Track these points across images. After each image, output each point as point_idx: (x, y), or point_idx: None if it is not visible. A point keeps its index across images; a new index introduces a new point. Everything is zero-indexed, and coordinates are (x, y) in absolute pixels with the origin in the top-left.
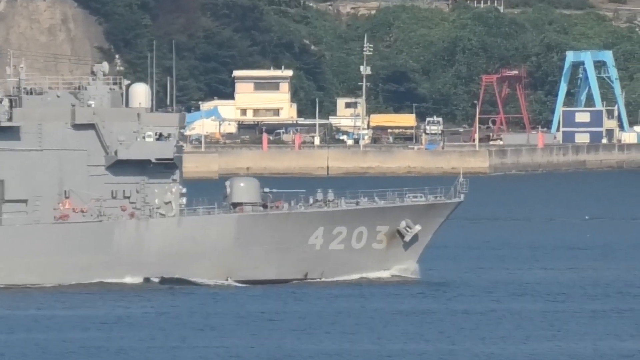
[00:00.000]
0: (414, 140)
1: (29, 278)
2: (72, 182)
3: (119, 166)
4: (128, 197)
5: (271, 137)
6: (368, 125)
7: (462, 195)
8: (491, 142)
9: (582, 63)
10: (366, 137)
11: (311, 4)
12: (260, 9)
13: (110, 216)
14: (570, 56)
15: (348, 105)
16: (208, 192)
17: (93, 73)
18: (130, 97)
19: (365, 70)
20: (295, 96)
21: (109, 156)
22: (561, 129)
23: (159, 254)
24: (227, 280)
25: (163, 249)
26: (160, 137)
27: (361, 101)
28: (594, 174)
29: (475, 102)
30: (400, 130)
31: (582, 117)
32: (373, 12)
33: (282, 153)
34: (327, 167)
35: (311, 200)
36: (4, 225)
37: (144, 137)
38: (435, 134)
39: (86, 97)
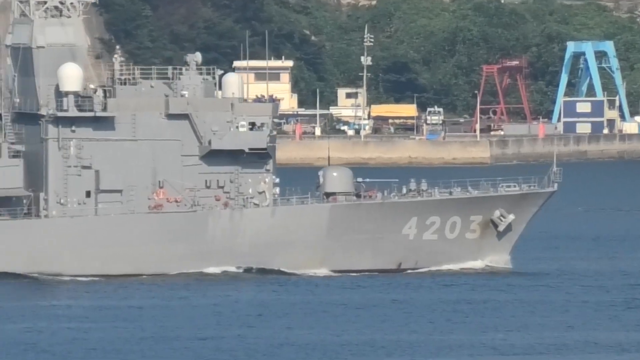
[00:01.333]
0: (414, 131)
1: (124, 268)
2: (166, 172)
3: (213, 156)
4: (222, 187)
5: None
6: (369, 115)
7: (556, 185)
8: (492, 133)
9: (583, 53)
10: (367, 128)
11: None
12: None
13: (204, 206)
14: (571, 46)
15: (349, 95)
16: None
17: (186, 63)
18: (223, 87)
19: (365, 60)
20: (295, 87)
21: (202, 146)
22: (562, 119)
23: (253, 244)
24: (320, 269)
25: (256, 238)
26: (253, 126)
27: (362, 91)
28: (595, 164)
29: (476, 92)
30: (401, 120)
31: (583, 107)
32: (374, 2)
33: (283, 144)
34: (328, 158)
35: (404, 190)
36: (99, 215)
37: (237, 127)
38: (436, 124)
39: (179, 87)
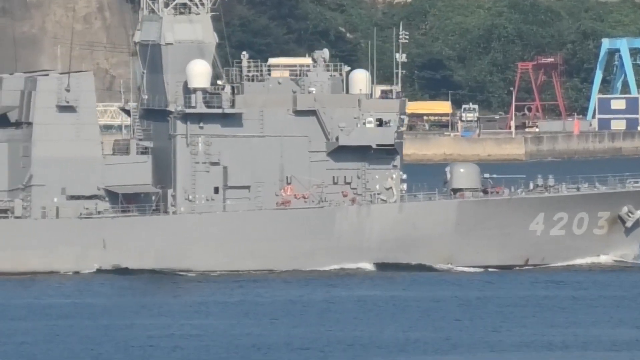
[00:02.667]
0: (449, 128)
1: (252, 264)
2: (293, 168)
3: (340, 152)
4: (349, 183)
5: None
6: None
7: None
8: (527, 130)
9: (618, 50)
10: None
11: None
12: None
13: (331, 202)
14: (606, 43)
15: (384, 92)
16: None
17: (314, 60)
18: (350, 83)
19: (400, 57)
20: None
21: (330, 142)
22: (597, 116)
23: (380, 240)
24: (449, 265)
25: (384, 234)
26: (380, 123)
27: (397, 88)
28: (629, 161)
29: (511, 89)
30: (436, 117)
31: (618, 104)
32: (409, 0)
33: None
34: None
35: (531, 186)
36: (227, 212)
37: (364, 123)
38: (471, 121)
39: (307, 84)
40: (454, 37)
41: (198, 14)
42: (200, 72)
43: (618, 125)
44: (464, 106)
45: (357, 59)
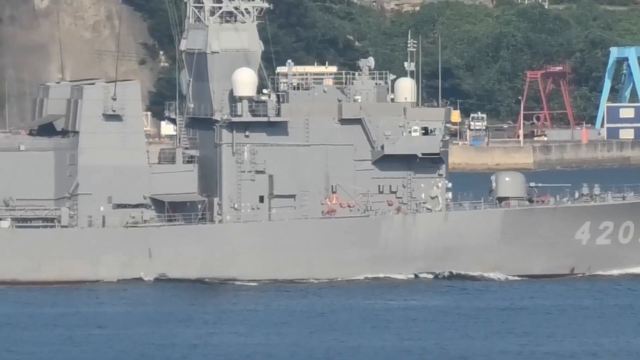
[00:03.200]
0: (458, 137)
1: (297, 272)
2: (339, 177)
3: (386, 161)
4: (394, 192)
5: None
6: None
7: None
8: (535, 138)
9: (626, 59)
10: None
11: (355, 1)
12: (304, 5)
13: (376, 211)
14: (615, 52)
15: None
16: None
17: (359, 68)
18: (395, 91)
19: (409, 66)
20: None
21: (375, 151)
22: (605, 124)
23: (426, 249)
24: (494, 274)
25: (429, 243)
26: (426, 131)
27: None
28: (638, 169)
29: (520, 98)
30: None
31: (627, 112)
32: (417, 8)
33: None
34: None
35: (577, 195)
36: (272, 221)
37: (410, 132)
38: (480, 130)
39: (352, 92)
40: (462, 46)
41: (244, 22)
42: (246, 81)
43: (626, 134)
44: (472, 115)
45: None
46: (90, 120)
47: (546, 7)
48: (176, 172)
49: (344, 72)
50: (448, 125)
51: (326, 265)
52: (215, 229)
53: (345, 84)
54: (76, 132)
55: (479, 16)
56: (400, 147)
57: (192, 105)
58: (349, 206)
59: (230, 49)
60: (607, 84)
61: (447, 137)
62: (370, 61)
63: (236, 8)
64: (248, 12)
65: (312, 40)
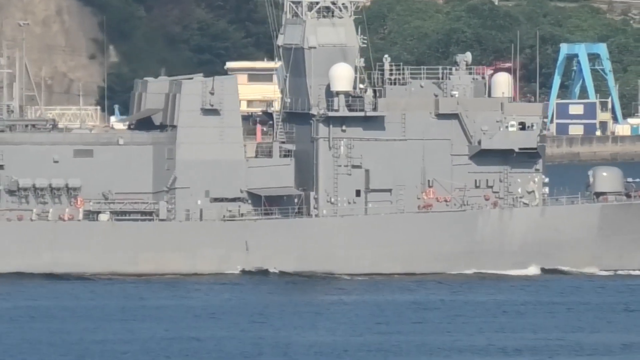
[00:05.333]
0: None
1: (393, 267)
2: (435, 171)
3: (482, 155)
4: (491, 187)
5: (264, 129)
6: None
7: None
8: None
9: (576, 55)
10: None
11: None
12: (254, 0)
13: (473, 205)
14: (564, 49)
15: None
16: None
17: (456, 63)
18: (492, 86)
19: (359, 62)
20: None
21: (472, 146)
22: (555, 121)
23: (522, 244)
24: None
25: (526, 238)
26: (523, 126)
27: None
28: (587, 166)
29: None
30: None
31: (576, 109)
32: (367, 4)
33: None
34: None
35: None
36: (369, 215)
37: (507, 127)
38: None
39: (449, 87)
40: (413, 42)
41: (341, 17)
42: (343, 76)
43: (576, 130)
44: None
45: None
46: (188, 114)
47: (496, 3)
48: (273, 166)
49: (440, 67)
50: (545, 120)
51: (422, 259)
52: (311, 223)
53: (442, 79)
54: (174, 127)
55: (429, 12)
56: (498, 142)
57: (288, 100)
58: (446, 201)
59: (328, 44)
60: (557, 81)
61: (544, 132)
62: (468, 56)
63: (333, 3)
64: (345, 7)
65: (262, 36)
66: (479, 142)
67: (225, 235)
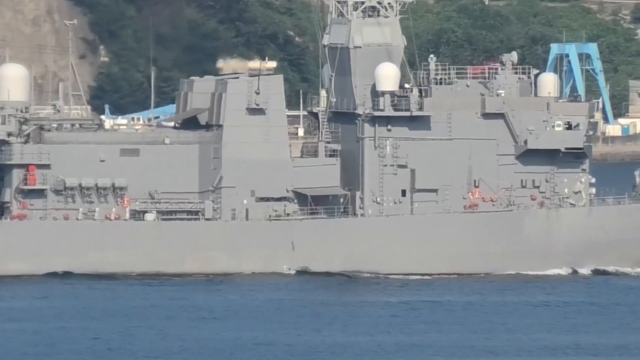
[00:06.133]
0: None
1: (439, 267)
2: (481, 171)
3: (529, 155)
4: (537, 187)
5: None
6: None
7: None
8: None
9: (567, 55)
10: None
11: None
12: (245, 0)
13: (519, 205)
14: (555, 48)
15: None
16: None
17: (502, 63)
18: (539, 86)
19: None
20: None
21: (518, 145)
22: None
23: (569, 244)
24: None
25: (572, 238)
26: (569, 126)
27: None
28: None
29: None
30: None
31: None
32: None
33: None
34: None
35: None
36: (414, 215)
37: (553, 127)
38: None
39: (495, 87)
40: None
41: (387, 17)
42: (388, 75)
43: None
44: None
45: (305, 62)
46: (234, 114)
47: (486, 3)
48: (318, 165)
49: (486, 67)
50: (591, 119)
51: (468, 259)
52: (357, 222)
53: (488, 78)
54: (220, 126)
55: (419, 12)
56: (544, 141)
57: (334, 100)
58: (492, 201)
59: (373, 44)
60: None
61: (591, 132)
62: (513, 56)
63: (379, 3)
64: (391, 7)
65: (252, 35)
66: (525, 142)
67: (271, 234)
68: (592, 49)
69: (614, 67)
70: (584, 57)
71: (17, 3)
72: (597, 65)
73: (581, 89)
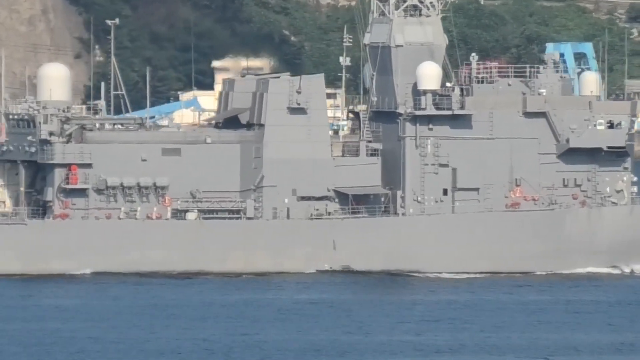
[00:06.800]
0: None
1: (480, 266)
2: (522, 170)
3: (570, 154)
4: (579, 186)
5: None
6: (347, 116)
7: None
8: None
9: (562, 55)
10: (345, 128)
11: None
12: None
13: (561, 204)
14: (550, 48)
15: (328, 96)
16: None
17: (543, 62)
18: (581, 85)
19: (345, 61)
20: None
21: (560, 144)
22: None
23: (610, 243)
24: None
25: (614, 237)
26: (611, 124)
27: (341, 92)
28: None
29: None
30: None
31: None
32: (353, 3)
33: None
34: None
35: None
36: (456, 213)
37: (595, 125)
38: None
39: (537, 86)
40: None
41: (428, 16)
42: (430, 74)
43: None
44: None
45: (301, 62)
46: (275, 113)
47: (482, 2)
48: (360, 164)
49: (527, 65)
50: (634, 118)
51: (509, 258)
52: (398, 221)
53: (530, 77)
54: (261, 125)
55: None
56: (586, 140)
57: (375, 99)
58: (533, 199)
59: (415, 43)
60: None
61: (632, 131)
62: (555, 55)
63: (421, 2)
64: (433, 6)
65: (247, 35)
66: (567, 141)
67: (312, 233)
68: (588, 48)
69: (609, 67)
70: (580, 57)
71: (13, 2)
72: (593, 64)
73: (576, 88)
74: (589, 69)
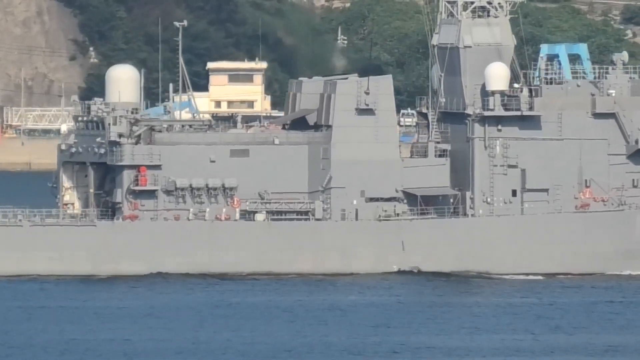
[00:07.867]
0: None
1: (550, 267)
2: (592, 171)
3: None
4: None
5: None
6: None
7: None
8: None
9: (557, 56)
10: None
11: None
12: (235, 1)
13: (631, 205)
14: (545, 49)
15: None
16: None
17: (612, 62)
18: None
19: (338, 61)
20: (269, 88)
21: (629, 145)
22: None
23: None
24: None
25: None
26: None
27: None
28: None
29: None
30: None
31: None
32: (347, 4)
33: None
34: None
35: None
36: (525, 215)
37: None
38: (410, 126)
39: (606, 86)
40: (393, 42)
41: (497, 16)
42: (498, 75)
43: None
44: (402, 111)
45: (295, 63)
46: (343, 114)
47: None
48: (428, 165)
49: (596, 66)
50: None
51: (579, 259)
52: (467, 222)
53: (599, 78)
54: (329, 126)
55: (409, 13)
56: None
57: (443, 100)
58: (603, 200)
59: (483, 44)
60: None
61: None
62: (624, 55)
63: (489, 3)
64: (501, 7)
65: (242, 36)
66: (637, 142)
67: (381, 234)
68: (582, 49)
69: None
70: (574, 58)
71: (7, 4)
72: (587, 65)
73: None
74: (583, 70)
